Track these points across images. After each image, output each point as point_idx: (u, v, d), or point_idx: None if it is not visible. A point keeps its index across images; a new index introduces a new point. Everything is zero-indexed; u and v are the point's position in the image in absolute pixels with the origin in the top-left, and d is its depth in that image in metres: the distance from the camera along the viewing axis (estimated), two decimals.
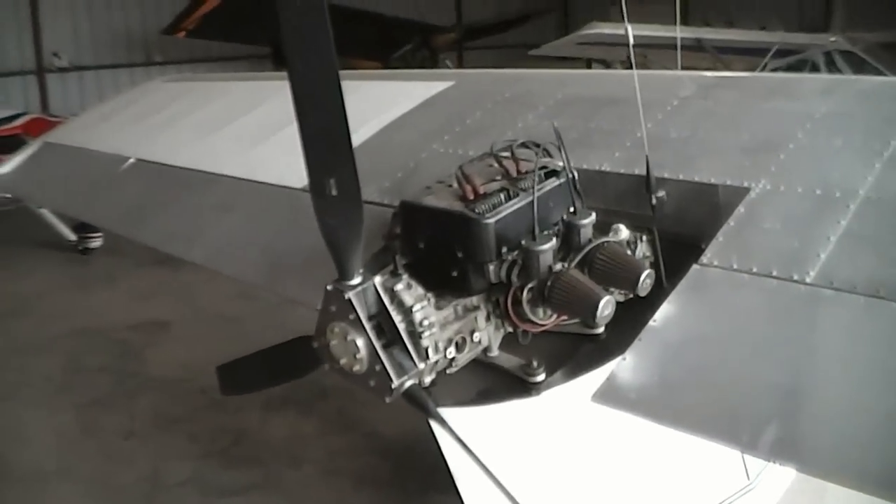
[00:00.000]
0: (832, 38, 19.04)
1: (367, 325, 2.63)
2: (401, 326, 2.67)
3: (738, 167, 3.33)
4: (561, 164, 3.06)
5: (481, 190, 2.88)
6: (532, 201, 2.84)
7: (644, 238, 3.21)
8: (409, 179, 4.08)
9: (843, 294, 2.61)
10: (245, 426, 8.59)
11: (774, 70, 18.55)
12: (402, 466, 7.69)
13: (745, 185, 3.20)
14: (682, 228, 3.40)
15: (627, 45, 3.64)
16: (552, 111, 4.30)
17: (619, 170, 3.55)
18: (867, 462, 2.28)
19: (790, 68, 18.86)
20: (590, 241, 2.93)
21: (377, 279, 2.69)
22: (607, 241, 2.93)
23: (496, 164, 3.06)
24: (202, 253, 4.71)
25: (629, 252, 3.10)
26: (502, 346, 3.05)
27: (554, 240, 2.81)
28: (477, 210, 2.79)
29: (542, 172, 2.99)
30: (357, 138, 4.75)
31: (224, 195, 4.91)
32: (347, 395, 8.35)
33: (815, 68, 18.66)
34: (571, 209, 2.98)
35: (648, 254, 3.24)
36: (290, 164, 4.63)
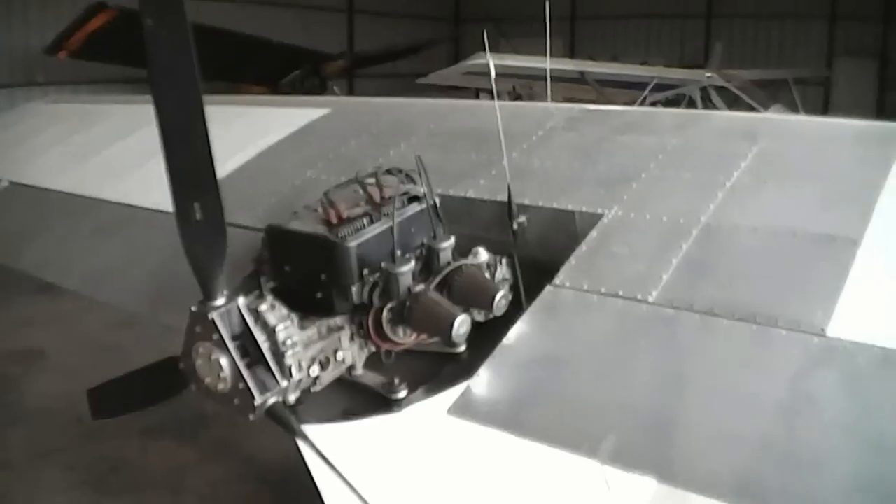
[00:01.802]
0: (708, 75, 19.88)
1: (231, 345, 2.70)
2: (264, 346, 2.74)
3: (593, 195, 3.53)
4: (423, 190, 3.20)
5: (345, 215, 3.00)
6: (393, 226, 2.96)
7: (504, 262, 3.36)
8: (281, 205, 4.15)
9: (681, 312, 2.81)
10: (123, 455, 8.50)
11: (653, 103, 19.27)
12: (284, 492, 7.67)
13: (599, 211, 3.39)
14: (542, 253, 3.57)
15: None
16: (424, 141, 4.45)
17: (483, 196, 3.71)
18: (711, 468, 2.46)
19: (668, 102, 19.62)
20: (449, 263, 3.06)
21: (241, 300, 2.76)
22: (465, 264, 3.07)
23: (361, 191, 3.18)
24: (79, 280, 4.66)
25: (488, 275, 3.26)
26: (368, 365, 3.15)
27: (413, 263, 2.94)
28: (339, 234, 2.91)
29: (405, 198, 3.13)
30: (234, 163, 4.86)
31: (103, 220, 4.87)
32: (228, 422, 8.29)
33: (691, 102, 19.45)
34: (432, 234, 3.11)
35: (508, 276, 3.40)
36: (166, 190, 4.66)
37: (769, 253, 3.02)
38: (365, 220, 3.01)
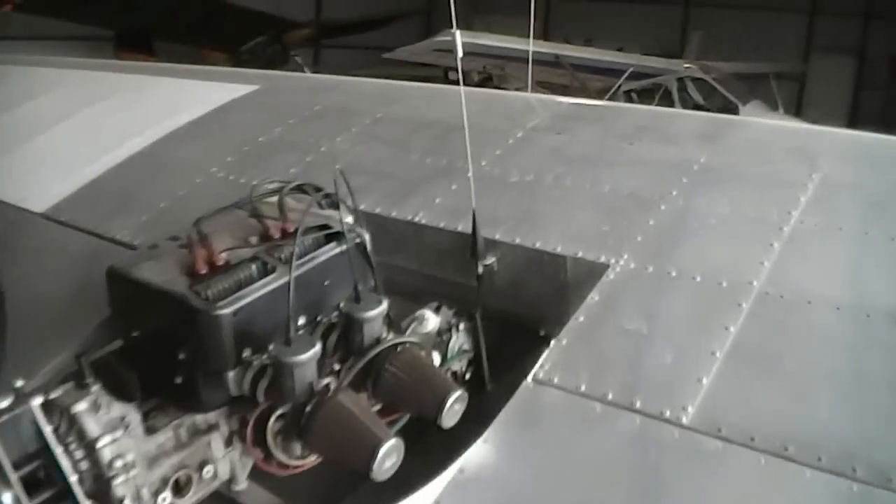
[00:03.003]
0: (686, 65, 18.99)
1: (12, 476, 1.66)
2: (72, 478, 1.72)
3: (594, 233, 2.52)
4: (345, 221, 2.14)
5: (221, 259, 1.95)
6: (290, 281, 1.92)
7: (462, 325, 2.34)
8: (171, 213, 3.09)
9: (733, 447, 1.82)
10: None
11: (628, 92, 18.37)
12: None
13: (602, 259, 2.38)
14: (516, 306, 2.57)
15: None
16: (367, 133, 3.40)
17: (439, 223, 2.68)
18: None
19: (643, 91, 18.72)
20: (377, 341, 2.02)
21: (35, 402, 1.72)
22: (403, 344, 2.03)
23: (255, 219, 2.13)
24: None
25: (437, 354, 2.24)
26: (254, 476, 2.12)
27: (318, 345, 1.89)
28: (206, 293, 1.86)
29: (316, 236, 2.08)
30: (127, 149, 3.76)
31: None
32: None
33: (667, 93, 18.57)
34: (354, 293, 2.06)
35: (467, 346, 2.38)
36: (38, 182, 3.55)
37: (854, 346, 2.04)
38: (252, 270, 1.95)
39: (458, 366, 2.38)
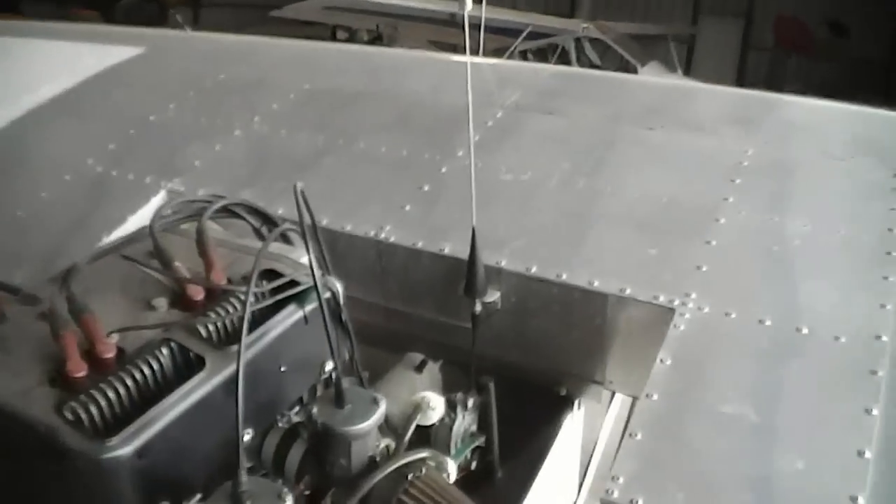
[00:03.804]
0: (584, 25, 18.58)
1: None
2: None
3: (640, 261, 1.82)
4: (307, 266, 1.38)
5: (109, 348, 1.16)
6: (237, 380, 1.14)
7: (470, 402, 1.62)
8: (25, 230, 2.27)
9: None
10: None
11: (524, 52, 17.86)
12: None
13: (663, 301, 1.68)
14: (525, 357, 1.87)
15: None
16: (292, 113, 2.61)
17: (415, 242, 1.93)
18: None
19: (539, 51, 18.24)
20: (372, 463, 1.28)
21: None
22: (416, 465, 1.28)
23: (160, 265, 1.34)
24: None
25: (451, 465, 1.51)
26: None
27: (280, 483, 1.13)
28: (85, 419, 1.07)
29: (268, 288, 1.31)
30: None
31: None
32: None
33: (564, 54, 18.13)
34: (336, 385, 1.29)
35: (475, 428, 1.66)
36: None
37: None
38: (161, 367, 1.17)
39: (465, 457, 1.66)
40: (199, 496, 1.21)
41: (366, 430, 1.25)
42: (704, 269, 1.76)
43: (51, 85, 3.01)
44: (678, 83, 2.59)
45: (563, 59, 17.29)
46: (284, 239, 1.47)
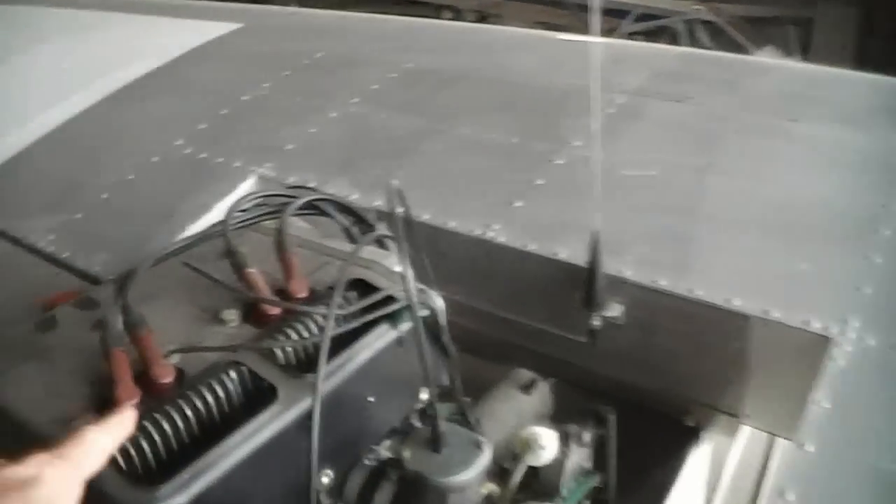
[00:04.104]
0: (696, 7, 17.96)
1: None
2: None
3: (789, 277, 1.56)
4: (401, 272, 1.18)
5: (166, 371, 0.99)
6: (312, 414, 0.95)
7: (584, 436, 1.39)
8: (109, 210, 2.13)
9: None
10: None
11: (631, 35, 17.39)
12: None
13: (818, 328, 1.42)
14: (648, 380, 1.64)
15: None
16: (391, 94, 2.41)
17: (523, 243, 1.71)
18: None
19: (648, 34, 17.72)
20: None
21: None
22: None
23: (234, 270, 1.15)
24: None
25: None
26: None
27: None
28: (134, 466, 0.89)
29: (356, 308, 1.10)
30: (57, 115, 2.73)
31: None
32: None
33: (674, 37, 17.58)
34: (433, 428, 1.08)
35: (588, 465, 1.43)
36: None
37: None
38: (226, 398, 0.99)
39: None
40: None
41: (467, 482, 1.04)
42: (867, 290, 1.49)
43: (144, 61, 2.89)
44: (820, 68, 2.33)
45: (673, 43, 16.77)
46: (379, 242, 1.27)
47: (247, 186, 2.09)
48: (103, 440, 0.85)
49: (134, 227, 2.03)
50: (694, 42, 18.88)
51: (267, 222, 1.30)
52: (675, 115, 2.11)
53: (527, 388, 1.51)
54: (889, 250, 1.58)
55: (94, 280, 1.85)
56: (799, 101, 2.15)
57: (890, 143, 1.93)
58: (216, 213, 1.99)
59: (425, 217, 1.76)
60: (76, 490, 0.79)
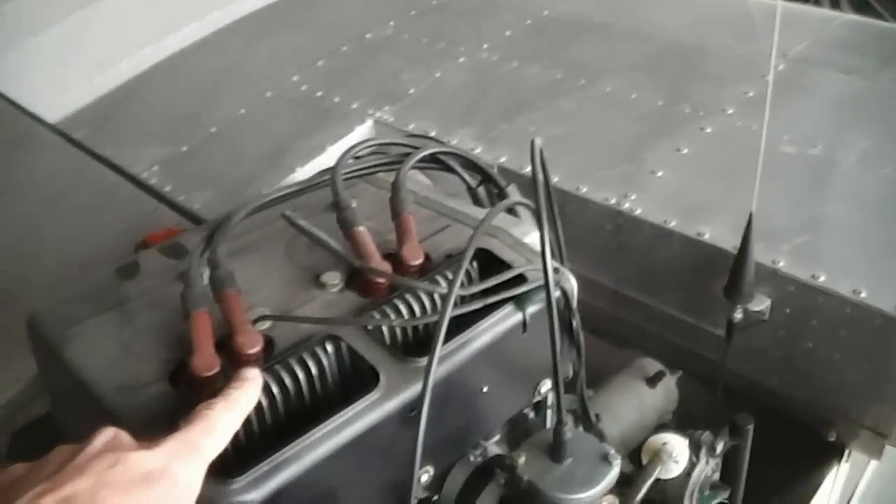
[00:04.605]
0: None
1: None
2: None
3: None
4: (534, 242, 1.03)
5: (253, 340, 0.85)
6: (422, 404, 0.79)
7: (719, 448, 1.22)
8: (220, 143, 2.04)
9: None
10: None
11: None
12: None
13: None
14: (788, 387, 1.45)
15: None
16: (526, 43, 2.23)
17: (660, 219, 1.52)
18: None
19: None
20: None
21: None
22: None
23: (340, 227, 1.01)
24: None
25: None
26: None
27: None
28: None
29: (477, 289, 0.94)
30: (166, 47, 2.60)
31: None
32: None
33: (816, 2, 16.74)
34: (557, 427, 0.92)
35: (716, 477, 1.26)
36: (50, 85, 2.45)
37: None
38: (318, 367, 0.85)
39: None
40: None
41: (590, 500, 0.88)
42: None
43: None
44: None
45: (834, 8, 15.99)
46: (510, 210, 1.11)
47: (363, 131, 1.97)
48: (229, 420, 0.72)
49: (240, 166, 1.94)
50: (835, 9, 18.02)
51: (382, 174, 1.16)
52: (842, 89, 1.88)
53: (652, 380, 1.34)
54: None
55: (195, 218, 1.77)
56: None
57: None
58: (328, 157, 1.88)
59: (555, 180, 1.60)
60: (201, 481, 0.67)
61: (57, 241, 1.78)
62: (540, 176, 0.85)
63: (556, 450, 0.89)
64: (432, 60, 2.18)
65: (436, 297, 0.93)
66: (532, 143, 0.87)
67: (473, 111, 1.93)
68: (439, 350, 0.79)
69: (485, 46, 2.21)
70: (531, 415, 1.07)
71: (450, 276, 0.95)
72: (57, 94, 2.35)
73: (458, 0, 2.53)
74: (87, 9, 2.49)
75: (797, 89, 1.86)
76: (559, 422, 0.88)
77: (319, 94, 2.13)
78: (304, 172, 1.84)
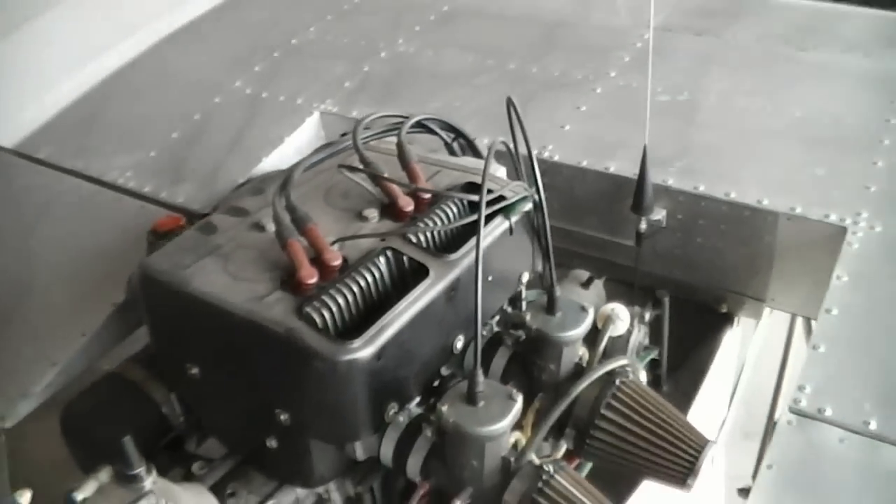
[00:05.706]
0: None
1: None
2: None
3: (807, 180, 1.82)
4: (503, 176, 1.44)
5: (334, 256, 1.21)
6: (476, 273, 1.19)
7: (647, 316, 1.64)
8: (185, 146, 2.34)
9: None
10: None
11: None
12: None
13: (834, 219, 1.69)
14: (687, 274, 1.89)
15: None
16: (435, 34, 2.62)
17: (578, 161, 1.95)
18: None
19: None
20: (578, 370, 1.34)
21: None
22: (621, 372, 1.31)
23: (366, 177, 1.39)
24: None
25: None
26: None
27: (517, 404, 1.18)
28: (327, 324, 1.14)
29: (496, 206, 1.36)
30: (114, 60, 2.87)
31: None
32: None
33: None
34: (549, 293, 1.34)
35: (646, 341, 1.69)
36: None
37: None
38: (390, 272, 1.23)
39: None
40: (418, 399, 1.27)
41: (578, 336, 1.29)
42: (873, 189, 1.75)
43: (190, 6, 3.01)
44: (828, 4, 2.54)
45: None
46: (473, 151, 1.52)
47: (313, 121, 2.30)
48: None
49: (211, 161, 2.21)
50: None
51: (374, 142, 1.53)
52: (700, 47, 2.34)
53: (585, 284, 1.75)
54: (891, 156, 1.84)
55: (182, 210, 2.03)
56: (809, 33, 2.38)
57: (890, 67, 2.17)
58: (289, 146, 2.20)
59: (485, 140, 1.99)
60: None
61: (48, 252, 2.04)
62: (517, 124, 1.25)
63: (549, 305, 1.29)
64: (358, 56, 2.53)
65: (449, 211, 1.32)
66: (508, 99, 1.27)
67: (404, 95, 2.30)
68: (482, 236, 1.17)
69: (400, 41, 2.58)
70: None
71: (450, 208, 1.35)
72: (8, 119, 2.54)
73: (367, 2, 2.89)
74: (20, 31, 2.66)
75: (664, 51, 2.31)
76: (551, 284, 1.28)
77: (265, 95, 2.45)
78: (269, 161, 2.16)
